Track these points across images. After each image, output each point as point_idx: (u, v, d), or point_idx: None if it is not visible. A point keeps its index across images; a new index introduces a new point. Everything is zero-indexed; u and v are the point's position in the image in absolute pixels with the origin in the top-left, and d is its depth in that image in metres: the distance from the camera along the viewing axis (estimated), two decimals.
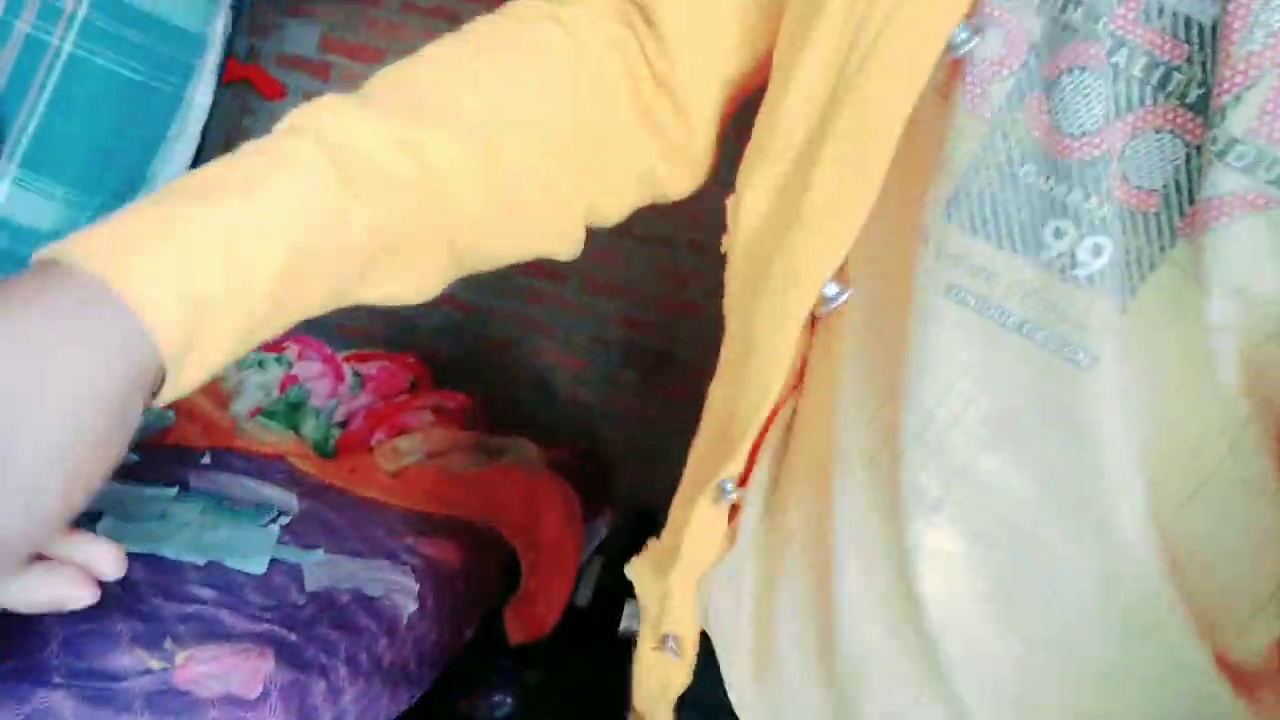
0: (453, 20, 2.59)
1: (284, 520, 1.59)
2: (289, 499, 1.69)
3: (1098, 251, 0.39)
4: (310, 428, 2.00)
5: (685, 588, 0.56)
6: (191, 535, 1.42)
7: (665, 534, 0.60)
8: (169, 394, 0.39)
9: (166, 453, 1.76)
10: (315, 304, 0.44)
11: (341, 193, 0.43)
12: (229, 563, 1.37)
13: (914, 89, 0.41)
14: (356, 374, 2.15)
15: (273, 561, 1.42)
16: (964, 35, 0.40)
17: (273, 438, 1.94)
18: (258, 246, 0.40)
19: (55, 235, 0.36)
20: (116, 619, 1.15)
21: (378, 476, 1.93)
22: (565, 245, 0.57)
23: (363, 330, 3.12)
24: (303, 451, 1.94)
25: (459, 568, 1.66)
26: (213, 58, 0.42)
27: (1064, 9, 0.38)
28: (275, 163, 0.42)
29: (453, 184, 0.48)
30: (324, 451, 1.98)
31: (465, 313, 3.17)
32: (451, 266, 0.51)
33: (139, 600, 1.22)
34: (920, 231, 0.43)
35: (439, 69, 0.50)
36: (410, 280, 0.49)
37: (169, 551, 1.35)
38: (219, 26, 0.43)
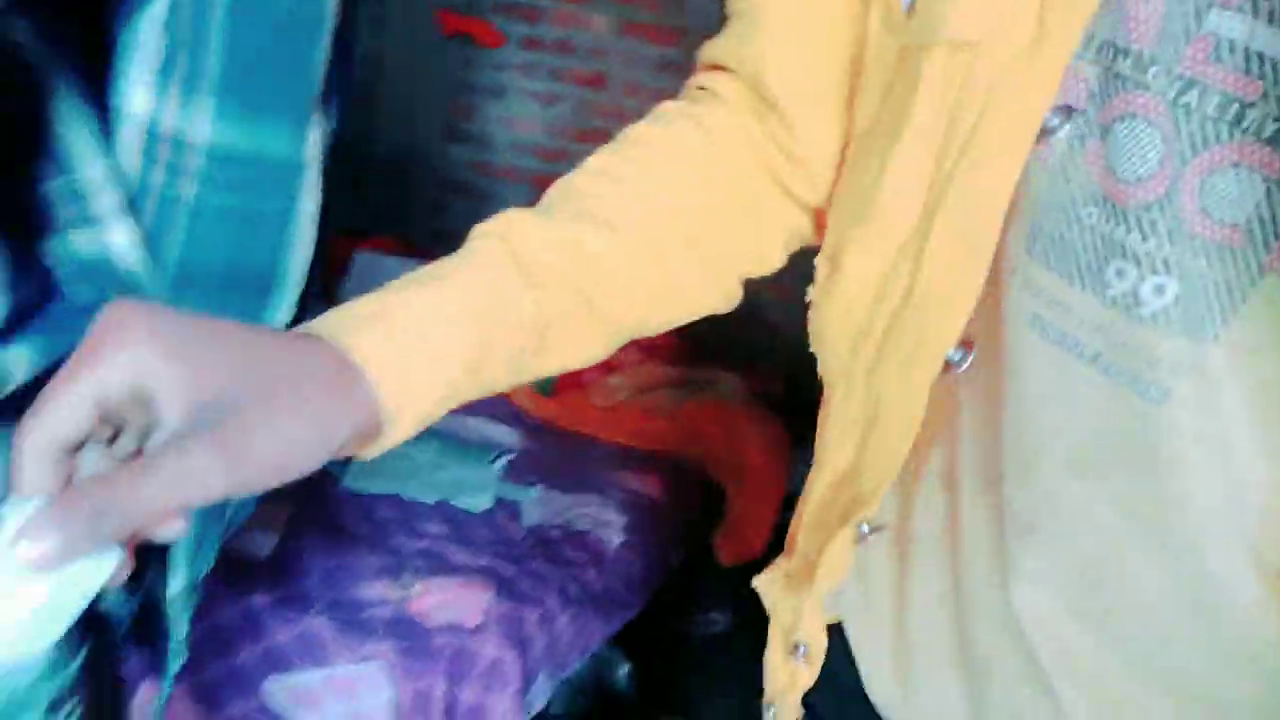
0: None
1: (507, 458, 1.75)
2: (512, 437, 1.86)
3: (1160, 291, 0.40)
4: None
5: (817, 607, 0.60)
6: (426, 476, 1.61)
7: (796, 557, 0.63)
8: (382, 446, 0.46)
9: None
10: (500, 376, 0.50)
11: (517, 282, 0.50)
12: (456, 501, 1.54)
13: (1014, 170, 0.43)
14: None
15: (496, 501, 1.58)
16: (1056, 121, 0.42)
17: None
18: (453, 325, 0.47)
19: None
20: (364, 553, 1.35)
21: (591, 413, 2.06)
22: (725, 303, 0.63)
23: None
24: (524, 389, 2.11)
25: (662, 500, 1.76)
26: (313, 172, 0.49)
27: (1114, 59, 0.39)
28: (467, 259, 0.50)
29: (610, 270, 0.54)
30: (544, 389, 2.14)
31: None
32: (618, 336, 0.57)
33: (386, 537, 1.41)
34: (1008, 263, 0.46)
35: (596, 175, 0.57)
36: (578, 352, 0.55)
37: (407, 492, 1.54)
38: (312, 142, 0.49)
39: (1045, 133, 0.42)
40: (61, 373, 0.37)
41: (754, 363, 2.71)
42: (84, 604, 0.36)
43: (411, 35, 3.49)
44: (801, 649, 0.61)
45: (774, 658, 0.64)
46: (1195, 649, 0.47)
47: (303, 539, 1.36)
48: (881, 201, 0.49)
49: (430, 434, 1.72)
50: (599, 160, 0.58)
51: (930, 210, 0.47)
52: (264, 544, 1.33)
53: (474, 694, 1.22)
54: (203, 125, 0.45)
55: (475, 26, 3.41)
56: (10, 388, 0.37)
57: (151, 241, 0.45)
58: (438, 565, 1.35)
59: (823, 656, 0.62)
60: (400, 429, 0.44)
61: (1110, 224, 0.41)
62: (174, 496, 0.35)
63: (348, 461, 1.60)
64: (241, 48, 0.45)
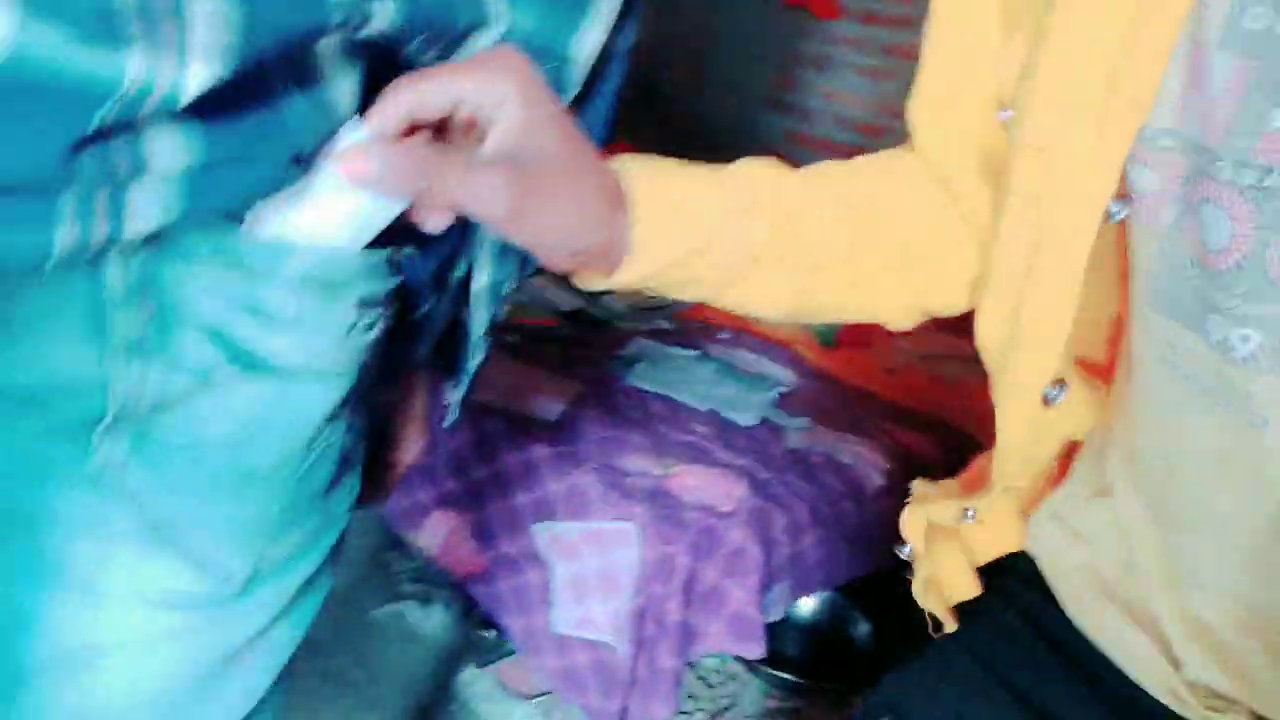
0: None
1: (780, 389, 1.78)
2: (789, 375, 1.89)
3: (1245, 340, 0.49)
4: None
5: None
6: (702, 388, 1.68)
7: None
8: (609, 278, 0.55)
9: (694, 325, 2.06)
10: (701, 275, 0.59)
11: (764, 212, 0.59)
12: (725, 413, 1.59)
13: (1085, 247, 0.53)
14: None
15: (763, 420, 1.61)
16: (1116, 208, 0.52)
17: (783, 325, 2.15)
18: (705, 213, 0.57)
19: None
20: (635, 433, 1.44)
21: (871, 370, 2.04)
22: (908, 321, 0.71)
23: None
24: (808, 340, 2.12)
25: (932, 460, 1.71)
26: None
27: (1199, 152, 0.48)
28: (741, 173, 0.61)
29: (821, 245, 0.63)
30: (827, 342, 2.14)
31: None
32: (794, 303, 0.65)
33: (652, 425, 1.49)
34: (1137, 315, 0.57)
35: (836, 177, 0.66)
36: (761, 299, 0.63)
37: (681, 396, 1.62)
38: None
39: (1108, 217, 0.52)
40: (449, 65, 0.46)
41: None
42: (382, 223, 0.46)
43: (747, 4, 3.59)
44: (970, 512, 0.70)
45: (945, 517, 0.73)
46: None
47: (585, 410, 1.47)
48: (998, 258, 0.59)
49: (709, 359, 1.80)
50: (834, 167, 0.66)
51: (1027, 271, 0.56)
52: (552, 409, 1.45)
53: (715, 574, 1.26)
54: None
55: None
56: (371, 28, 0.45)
57: None
58: (698, 455, 1.41)
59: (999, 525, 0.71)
60: (631, 269, 0.54)
61: (1203, 282, 0.50)
62: (467, 192, 0.44)
63: (634, 363, 1.71)
64: None
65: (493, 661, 1.67)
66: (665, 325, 2.01)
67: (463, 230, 0.58)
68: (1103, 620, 0.67)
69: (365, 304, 0.51)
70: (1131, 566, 0.62)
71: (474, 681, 1.62)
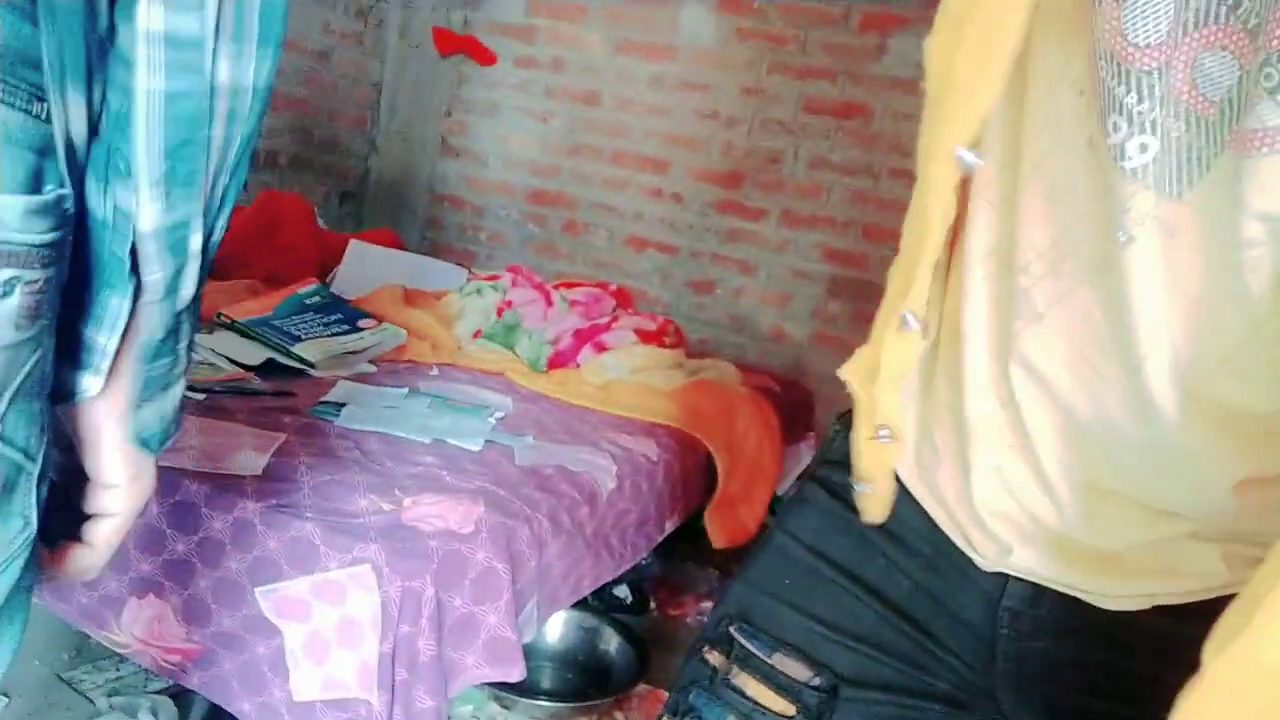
0: None
1: (500, 415, 1.75)
2: (505, 401, 1.86)
3: (1143, 149, 0.47)
4: (524, 346, 2.17)
5: (891, 390, 0.66)
6: (420, 421, 1.60)
7: (869, 348, 0.69)
8: None
9: (400, 367, 1.97)
10: None
11: None
12: (450, 440, 1.53)
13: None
14: (564, 298, 2.30)
15: (488, 443, 1.57)
16: None
17: (492, 355, 2.12)
18: None
19: None
20: (355, 473, 1.34)
21: (585, 388, 2.06)
22: None
23: (576, 275, 3.30)
24: (518, 367, 2.11)
25: (656, 461, 1.76)
26: None
27: None
28: None
29: None
30: (537, 367, 2.14)
31: (669, 254, 3.29)
32: None
33: (373, 463, 1.40)
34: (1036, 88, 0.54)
35: None
36: None
37: (400, 431, 1.54)
38: None
39: None
40: None
41: (749, 365, 2.73)
42: None
43: (408, 55, 3.57)
44: (884, 430, 0.67)
45: (860, 443, 0.69)
46: (1141, 454, 0.56)
47: (294, 460, 1.35)
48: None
49: (420, 395, 1.72)
50: None
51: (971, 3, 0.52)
52: (255, 463, 1.31)
53: (465, 601, 1.20)
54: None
55: (469, 45, 3.49)
56: None
57: None
58: (429, 484, 1.34)
59: (906, 437, 0.69)
60: None
61: (1115, 80, 0.47)
62: None
63: (341, 407, 1.60)
64: None
65: None
66: (369, 369, 1.90)
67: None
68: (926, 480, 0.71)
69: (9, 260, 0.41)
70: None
71: None
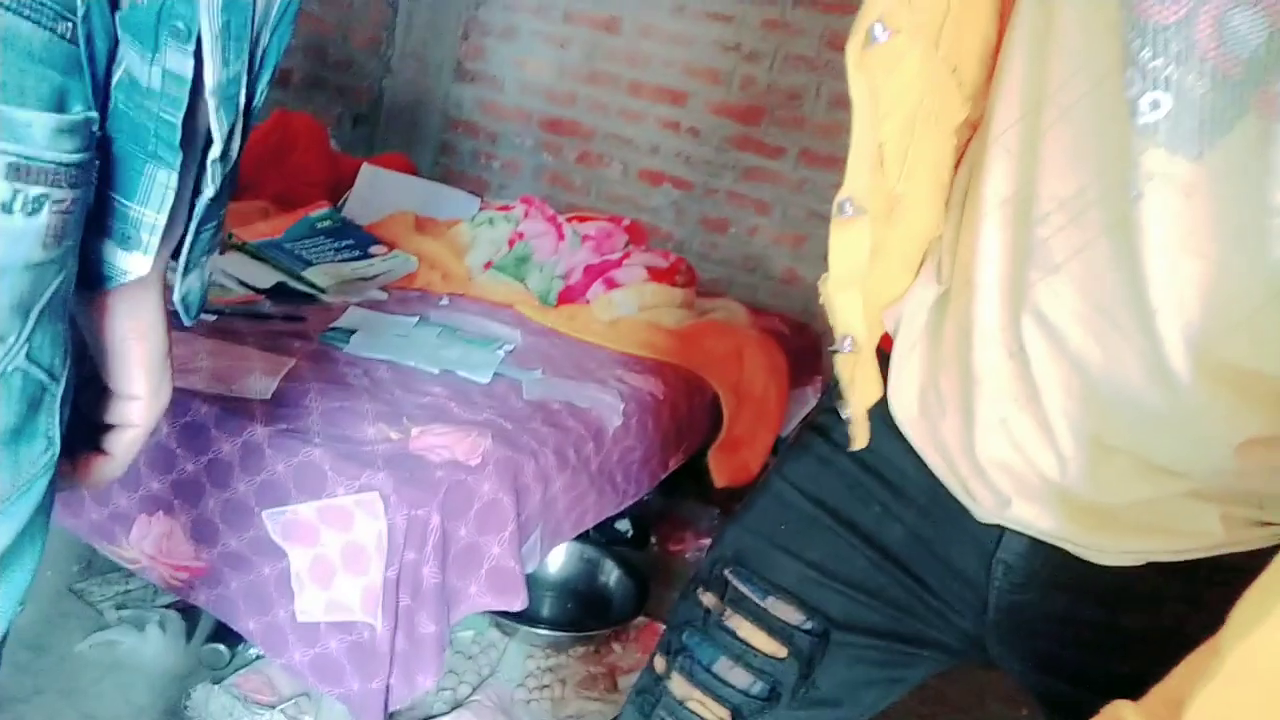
0: None
1: (509, 348, 1.75)
2: (514, 334, 1.86)
3: (1155, 106, 0.46)
4: (535, 279, 2.16)
5: (843, 290, 0.66)
6: (429, 351, 1.61)
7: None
8: None
9: (410, 295, 1.97)
10: None
11: None
12: (459, 372, 1.54)
13: None
14: (576, 233, 2.28)
15: (496, 375, 1.58)
16: None
17: (502, 287, 2.12)
18: None
19: None
20: (364, 401, 1.35)
21: (594, 324, 2.06)
22: None
23: (587, 207, 3.27)
24: (528, 300, 2.11)
25: (663, 398, 1.76)
26: None
27: None
28: None
29: None
30: (547, 301, 2.14)
31: (684, 190, 3.25)
32: None
33: (382, 391, 1.41)
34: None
35: None
36: None
37: (409, 360, 1.54)
38: None
39: None
40: None
41: (759, 306, 2.72)
42: None
43: None
44: (847, 340, 0.67)
45: (835, 353, 0.69)
46: (1151, 401, 0.55)
47: (304, 385, 1.35)
48: None
49: (431, 323, 1.73)
50: None
51: None
52: (266, 387, 1.32)
53: (469, 531, 1.22)
54: None
55: None
56: None
57: None
58: (437, 415, 1.35)
59: (873, 352, 0.68)
60: None
61: (1131, 34, 0.46)
62: None
63: (351, 333, 1.60)
64: None
65: (228, 676, 1.52)
66: (379, 296, 1.90)
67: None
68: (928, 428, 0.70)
69: (16, 176, 0.41)
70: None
71: (209, 700, 1.45)
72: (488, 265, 2.19)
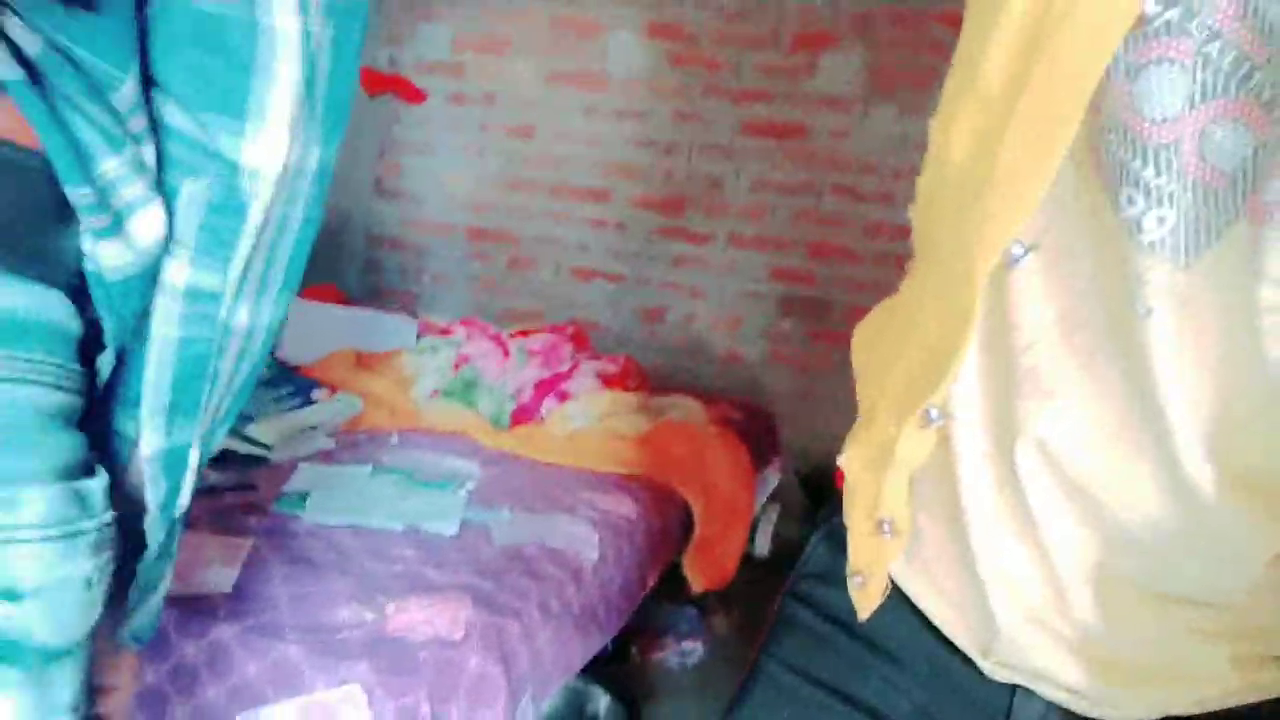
0: (570, 2, 2.62)
1: (470, 486, 1.70)
2: (472, 468, 1.81)
3: (1161, 222, 0.46)
4: (485, 403, 2.12)
5: (899, 485, 0.63)
6: (389, 505, 1.55)
7: (874, 434, 0.66)
8: None
9: (359, 438, 1.91)
10: None
11: None
12: (425, 526, 1.48)
13: (1104, 55, 0.44)
14: (522, 349, 2.25)
15: (464, 523, 1.52)
16: (1157, 7, 0.43)
17: (452, 416, 2.07)
18: None
19: None
20: (333, 579, 1.28)
21: (552, 441, 2.02)
22: None
23: (524, 310, 3.25)
24: (480, 425, 2.06)
25: (635, 519, 1.72)
26: None
27: (1167, 5, 0.43)
28: None
29: None
30: (500, 424, 2.10)
31: (617, 283, 3.26)
32: None
33: (351, 564, 1.34)
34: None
35: None
36: None
37: (372, 521, 1.48)
38: None
39: (1144, 21, 0.43)
40: None
41: (705, 390, 2.71)
42: None
43: None
44: (886, 524, 0.64)
45: (858, 531, 0.67)
46: (1165, 521, 0.53)
47: (266, 570, 1.28)
48: (983, 66, 0.51)
49: (386, 471, 1.67)
50: None
51: (1018, 80, 0.48)
52: (225, 579, 1.25)
53: (461, 710, 1.15)
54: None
55: (398, 84, 3.42)
56: None
57: None
58: (412, 585, 1.29)
59: (909, 531, 0.65)
60: None
61: (1129, 155, 0.45)
62: None
63: (306, 496, 1.54)
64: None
65: None
66: (327, 444, 1.84)
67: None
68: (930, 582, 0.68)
69: (97, 548, 0.42)
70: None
71: None
72: (434, 394, 2.14)
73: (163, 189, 0.43)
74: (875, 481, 0.63)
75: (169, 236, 0.44)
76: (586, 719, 1.92)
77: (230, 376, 0.49)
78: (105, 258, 0.41)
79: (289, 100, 0.43)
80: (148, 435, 0.47)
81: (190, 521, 1.39)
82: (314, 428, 1.89)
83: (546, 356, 2.27)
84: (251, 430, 1.78)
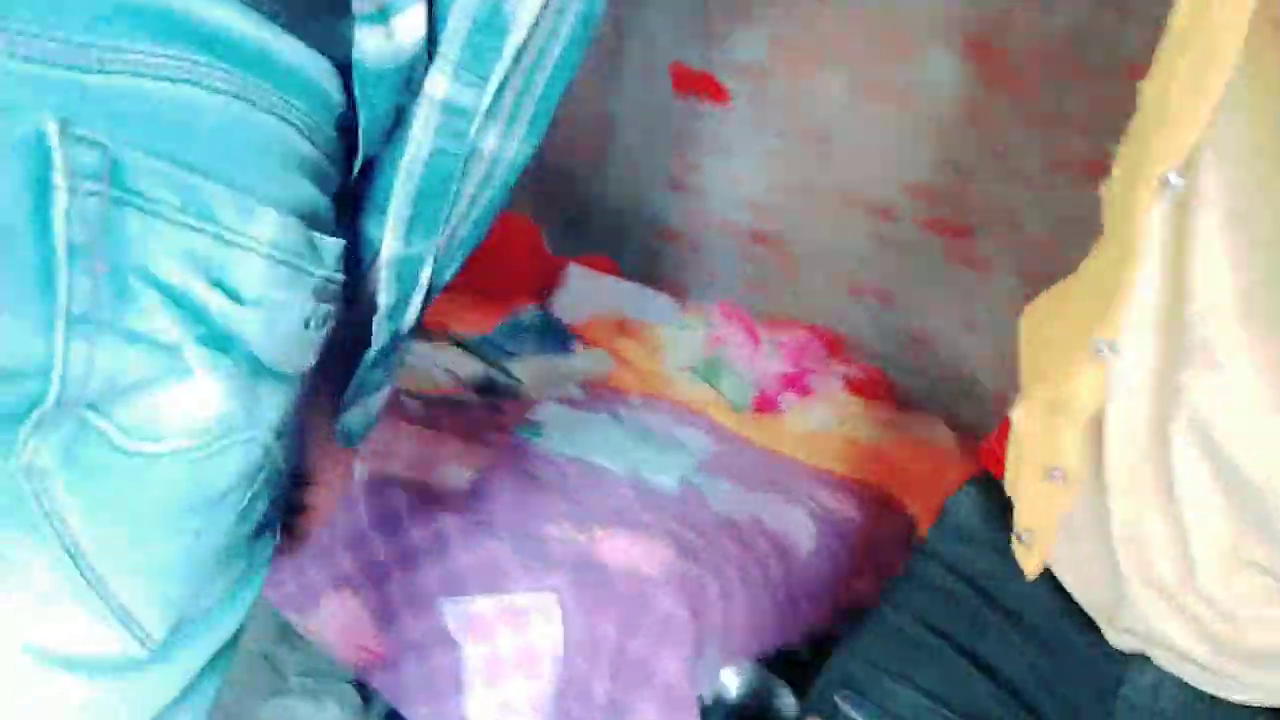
0: (886, 10, 2.57)
1: (699, 455, 1.72)
2: (706, 441, 1.83)
3: None
4: (728, 385, 2.13)
5: (1076, 426, 0.63)
6: (617, 450, 1.60)
7: (1046, 386, 0.66)
8: None
9: (605, 393, 1.99)
10: None
11: None
12: (647, 475, 1.52)
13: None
14: (772, 341, 2.25)
15: (684, 481, 1.54)
16: None
17: (696, 392, 2.10)
18: None
19: None
20: (552, 498, 1.34)
21: (787, 435, 2.00)
22: None
23: (788, 317, 3.24)
24: (721, 406, 2.07)
25: (856, 523, 1.66)
26: None
27: None
28: None
29: None
30: (739, 408, 2.10)
31: (886, 302, 3.16)
32: None
33: (571, 489, 1.40)
34: None
35: None
36: None
37: (599, 458, 1.54)
38: None
39: None
40: None
41: (963, 428, 2.56)
42: None
43: (644, 91, 3.65)
44: (1058, 472, 0.64)
45: (1028, 484, 0.67)
46: None
47: (496, 479, 1.37)
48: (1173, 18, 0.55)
49: (623, 423, 1.72)
50: None
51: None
52: (460, 477, 1.35)
53: (644, 646, 1.16)
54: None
55: (704, 83, 3.52)
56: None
57: None
58: (622, 519, 1.32)
59: (1080, 480, 0.64)
60: None
61: None
62: None
63: (545, 429, 1.62)
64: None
65: None
66: (575, 393, 1.93)
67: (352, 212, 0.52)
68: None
69: (320, 295, 0.45)
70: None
71: None
72: (683, 369, 2.18)
73: (436, 1, 0.47)
74: (1048, 429, 0.64)
75: (433, 48, 0.47)
76: (770, 714, 1.87)
77: (470, 201, 0.53)
78: (366, 43, 0.44)
79: None
80: (389, 240, 0.51)
81: (438, 425, 1.51)
82: (567, 375, 1.99)
83: (796, 352, 2.24)
84: (510, 365, 1.90)
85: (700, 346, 2.20)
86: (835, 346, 2.38)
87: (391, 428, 1.44)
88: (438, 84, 0.48)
